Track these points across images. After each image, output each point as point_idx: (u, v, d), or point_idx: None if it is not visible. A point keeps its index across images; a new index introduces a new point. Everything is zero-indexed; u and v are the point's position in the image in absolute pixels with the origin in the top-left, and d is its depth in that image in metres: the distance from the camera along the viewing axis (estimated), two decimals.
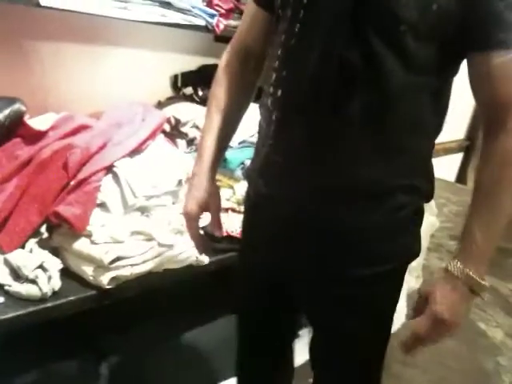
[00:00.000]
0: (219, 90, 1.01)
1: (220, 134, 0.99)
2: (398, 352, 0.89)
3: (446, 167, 3.89)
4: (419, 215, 0.93)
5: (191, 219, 0.98)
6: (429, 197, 0.94)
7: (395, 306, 0.99)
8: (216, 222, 1.01)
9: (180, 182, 1.32)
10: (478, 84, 0.79)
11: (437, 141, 0.90)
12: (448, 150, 3.75)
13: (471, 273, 0.79)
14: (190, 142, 1.61)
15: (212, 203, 0.98)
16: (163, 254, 1.26)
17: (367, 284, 0.90)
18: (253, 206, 1.02)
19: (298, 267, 0.94)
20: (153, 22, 1.40)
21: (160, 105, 1.76)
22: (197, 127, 1.61)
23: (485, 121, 0.81)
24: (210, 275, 1.36)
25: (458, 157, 4.23)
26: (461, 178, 4.31)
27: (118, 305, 1.21)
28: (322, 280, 0.92)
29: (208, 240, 1.03)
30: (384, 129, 0.80)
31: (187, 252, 1.32)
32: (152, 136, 1.35)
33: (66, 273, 1.17)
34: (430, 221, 2.03)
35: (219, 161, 1.01)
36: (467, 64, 0.79)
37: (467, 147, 4.18)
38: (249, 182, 1.04)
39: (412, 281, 2.01)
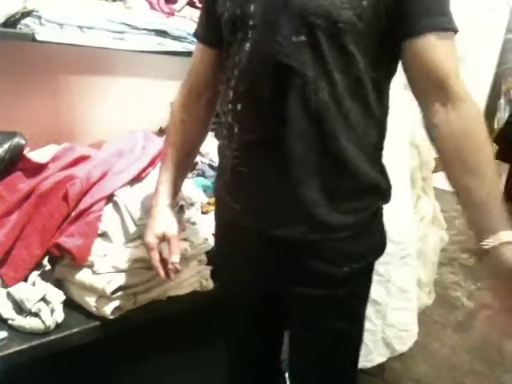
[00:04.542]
0: (173, 127, 1.09)
1: (175, 168, 1.07)
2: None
3: None
4: (381, 213, 1.00)
5: (150, 249, 1.03)
6: (386, 197, 0.98)
7: (367, 301, 1.06)
8: (173, 249, 1.04)
9: (182, 208, 1.32)
10: (412, 67, 0.83)
11: None
12: None
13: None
14: (192, 168, 1.61)
15: (168, 233, 1.04)
16: (166, 281, 1.25)
17: (344, 282, 0.94)
18: (223, 223, 1.08)
19: (277, 277, 0.98)
20: (150, 51, 1.42)
21: (161, 132, 1.77)
22: (199, 152, 1.61)
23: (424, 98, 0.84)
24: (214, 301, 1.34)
25: None
26: None
27: (123, 335, 1.20)
28: (300, 284, 0.96)
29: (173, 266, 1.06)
30: (330, 127, 0.84)
31: (191, 278, 1.32)
32: (152, 163, 1.36)
33: (70, 304, 1.17)
34: (440, 235, 1.99)
35: (176, 193, 1.09)
36: (402, 50, 0.83)
37: None
38: (218, 199, 1.08)
39: (424, 297, 1.95)
